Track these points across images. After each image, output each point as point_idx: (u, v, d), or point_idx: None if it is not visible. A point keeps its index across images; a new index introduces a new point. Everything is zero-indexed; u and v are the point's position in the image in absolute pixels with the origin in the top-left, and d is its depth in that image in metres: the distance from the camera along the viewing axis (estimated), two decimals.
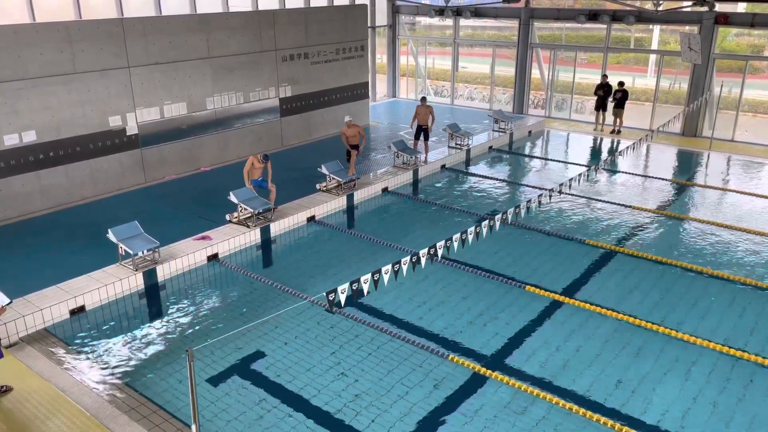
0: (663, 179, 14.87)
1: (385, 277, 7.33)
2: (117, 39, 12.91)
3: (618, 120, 18.76)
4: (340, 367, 7.63)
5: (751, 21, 17.16)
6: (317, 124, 17.97)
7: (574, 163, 16.14)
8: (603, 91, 18.63)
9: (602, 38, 19.73)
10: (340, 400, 7.06)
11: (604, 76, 18.73)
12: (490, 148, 17.36)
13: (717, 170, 15.86)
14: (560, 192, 11.45)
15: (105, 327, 8.58)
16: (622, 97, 18.40)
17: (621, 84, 18.44)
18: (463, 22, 22.46)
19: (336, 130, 18.36)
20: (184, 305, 9.19)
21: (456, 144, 16.59)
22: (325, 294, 6.69)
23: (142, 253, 9.71)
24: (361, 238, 11.51)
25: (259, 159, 11.47)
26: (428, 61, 24.77)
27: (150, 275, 9.66)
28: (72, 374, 7.44)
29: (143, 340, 8.29)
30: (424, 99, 15.47)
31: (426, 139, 15.36)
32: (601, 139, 18.62)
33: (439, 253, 8.00)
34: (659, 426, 6.66)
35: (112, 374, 7.51)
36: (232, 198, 11.37)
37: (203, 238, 10.74)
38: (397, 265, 7.46)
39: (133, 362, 7.78)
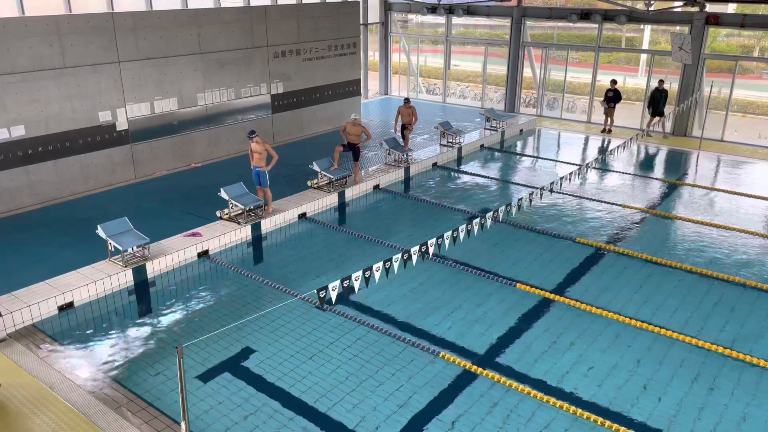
0: (652, 178, 14.96)
1: (376, 275, 7.34)
2: (107, 33, 12.81)
3: (609, 119, 18.84)
4: (331, 365, 7.62)
5: (741, 21, 17.27)
6: (309, 120, 17.92)
7: (564, 162, 16.19)
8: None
9: (594, 37, 19.80)
10: (330, 397, 7.06)
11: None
12: (482, 146, 17.39)
13: (706, 170, 15.95)
14: (551, 191, 11.50)
15: (94, 323, 8.53)
16: (613, 96, 18.45)
17: (613, 83, 18.49)
18: (455, 20, 22.47)
19: (327, 127, 18.34)
20: (173, 302, 9.15)
21: (448, 142, 16.60)
22: (316, 291, 6.69)
23: (132, 249, 9.66)
24: (353, 235, 11.50)
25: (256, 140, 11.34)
26: (420, 58, 24.76)
27: (139, 272, 9.60)
28: (60, 371, 7.39)
29: (132, 337, 8.25)
30: (407, 100, 15.49)
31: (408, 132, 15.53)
32: (590, 138, 18.69)
33: (431, 250, 8.01)
34: (647, 423, 6.70)
35: (101, 371, 7.46)
36: (223, 194, 11.33)
37: (193, 234, 10.69)
38: (389, 263, 7.46)
39: (122, 359, 7.74)
